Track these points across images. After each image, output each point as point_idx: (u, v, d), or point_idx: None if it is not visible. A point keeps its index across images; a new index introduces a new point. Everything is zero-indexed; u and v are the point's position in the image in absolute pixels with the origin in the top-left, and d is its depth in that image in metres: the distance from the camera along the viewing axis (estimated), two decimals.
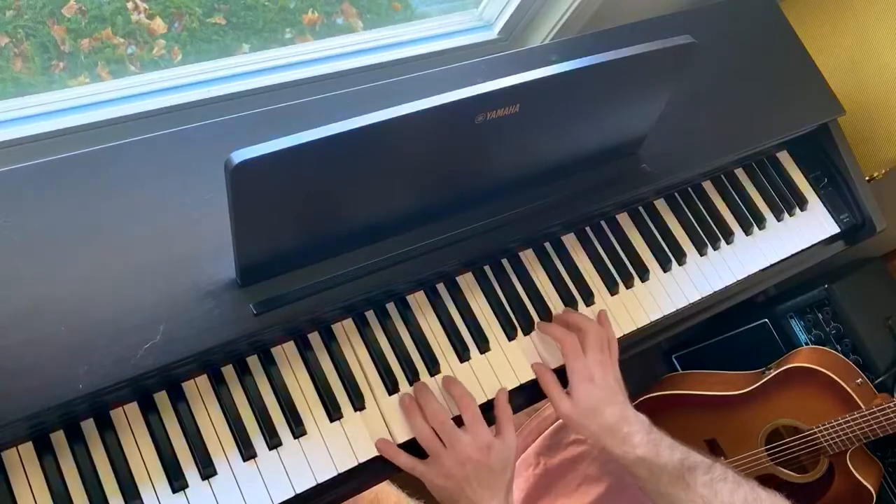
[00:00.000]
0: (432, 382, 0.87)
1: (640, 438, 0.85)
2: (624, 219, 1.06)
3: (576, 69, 0.78)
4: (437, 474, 0.81)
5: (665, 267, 1.05)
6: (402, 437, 0.84)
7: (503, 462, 0.82)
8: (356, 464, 0.80)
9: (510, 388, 0.90)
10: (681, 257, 1.06)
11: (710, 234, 1.10)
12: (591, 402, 0.87)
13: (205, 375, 0.79)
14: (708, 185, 1.14)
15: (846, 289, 1.60)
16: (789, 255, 1.15)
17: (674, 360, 1.84)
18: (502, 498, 0.81)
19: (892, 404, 1.35)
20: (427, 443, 0.82)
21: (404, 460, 0.82)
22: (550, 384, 0.90)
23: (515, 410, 0.89)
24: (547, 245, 1.00)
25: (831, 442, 1.43)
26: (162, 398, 0.76)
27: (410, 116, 0.70)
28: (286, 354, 0.83)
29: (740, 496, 0.83)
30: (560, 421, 1.16)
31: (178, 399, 0.76)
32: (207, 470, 0.74)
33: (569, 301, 0.97)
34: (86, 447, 0.72)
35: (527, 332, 0.94)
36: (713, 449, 1.60)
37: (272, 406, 0.80)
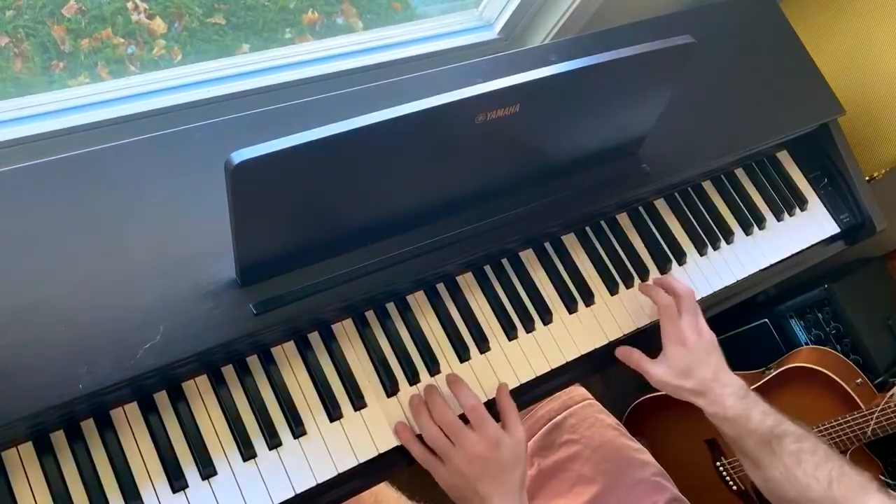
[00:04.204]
0: (435, 382, 0.87)
1: (732, 401, 0.89)
2: (624, 219, 1.06)
3: (576, 69, 0.78)
4: (447, 472, 0.81)
5: (665, 267, 1.05)
6: None
7: (514, 456, 0.82)
8: (356, 464, 0.80)
9: (511, 387, 0.89)
10: (681, 257, 1.06)
11: (710, 234, 1.10)
12: (683, 364, 0.91)
13: (205, 375, 0.79)
14: (708, 185, 1.14)
15: (846, 289, 1.60)
16: (789, 255, 1.15)
17: None
18: (516, 494, 0.81)
19: (892, 404, 1.35)
20: (434, 441, 0.81)
21: (418, 450, 0.82)
22: (638, 358, 0.94)
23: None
24: (547, 245, 1.00)
25: (831, 442, 1.43)
26: (162, 398, 0.76)
27: (410, 116, 0.70)
28: (286, 354, 0.83)
29: (825, 471, 0.84)
30: (553, 422, 1.16)
31: (178, 399, 0.76)
32: (207, 470, 0.74)
33: (569, 301, 0.97)
34: (86, 447, 0.72)
35: (528, 332, 0.94)
36: (713, 449, 1.60)
37: (272, 406, 0.80)
